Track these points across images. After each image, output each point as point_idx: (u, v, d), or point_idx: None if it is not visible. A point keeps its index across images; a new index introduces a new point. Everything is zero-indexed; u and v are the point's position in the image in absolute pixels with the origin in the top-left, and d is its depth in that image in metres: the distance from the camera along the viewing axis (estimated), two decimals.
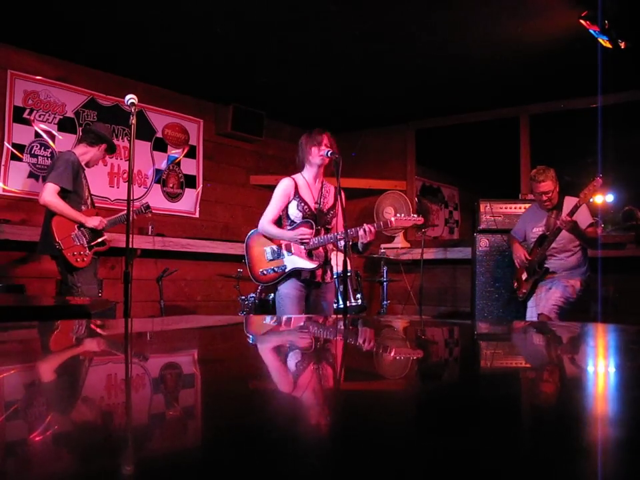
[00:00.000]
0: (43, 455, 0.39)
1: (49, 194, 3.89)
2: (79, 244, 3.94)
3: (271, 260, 3.57)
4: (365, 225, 3.44)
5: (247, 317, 4.48)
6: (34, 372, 0.76)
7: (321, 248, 3.55)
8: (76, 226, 3.95)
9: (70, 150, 4.22)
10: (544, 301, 4.21)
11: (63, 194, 3.93)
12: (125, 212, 4.13)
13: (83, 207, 4.07)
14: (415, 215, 3.68)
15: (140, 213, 4.28)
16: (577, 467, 0.36)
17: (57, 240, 3.86)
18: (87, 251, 3.99)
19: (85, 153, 4.13)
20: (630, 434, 0.44)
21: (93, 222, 4.01)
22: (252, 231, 3.73)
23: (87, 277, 3.99)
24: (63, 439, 0.44)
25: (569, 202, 4.29)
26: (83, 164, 4.10)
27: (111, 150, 4.36)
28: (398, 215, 3.73)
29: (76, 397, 0.60)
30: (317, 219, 3.55)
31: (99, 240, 4.06)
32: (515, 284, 4.60)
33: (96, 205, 4.49)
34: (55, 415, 0.52)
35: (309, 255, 3.52)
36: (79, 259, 3.92)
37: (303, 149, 3.57)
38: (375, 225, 3.51)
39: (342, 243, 3.48)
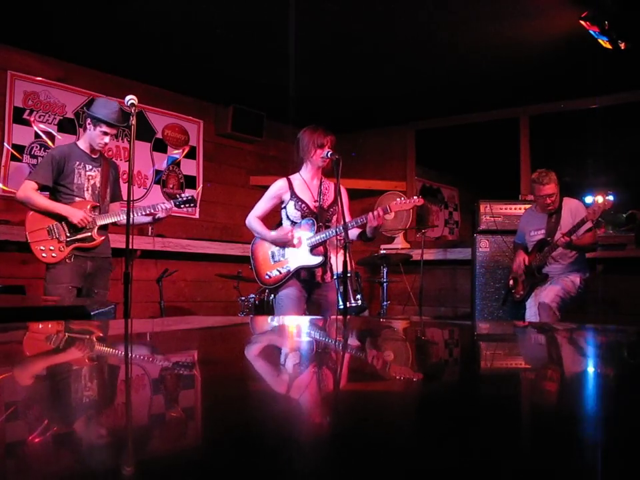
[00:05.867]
0: (39, 457, 0.39)
1: (22, 190, 3.74)
2: (54, 237, 3.70)
3: (275, 262, 3.57)
4: (374, 211, 3.44)
5: (247, 317, 4.48)
6: (29, 374, 0.76)
7: (320, 246, 3.54)
8: (55, 220, 3.72)
9: (61, 145, 4.07)
10: (545, 292, 4.23)
11: (49, 190, 3.77)
12: (119, 212, 3.93)
13: (77, 199, 3.81)
14: (415, 197, 3.64)
15: (180, 206, 4.05)
16: (577, 467, 0.36)
17: (26, 231, 3.68)
18: (63, 246, 3.71)
19: (83, 139, 3.93)
20: (630, 435, 0.44)
21: (74, 217, 3.71)
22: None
23: (56, 275, 3.70)
24: (58, 441, 0.44)
25: (568, 203, 4.31)
26: (87, 151, 3.86)
27: (102, 122, 3.79)
28: (397, 199, 3.71)
29: (73, 398, 0.60)
30: (317, 217, 3.54)
31: (82, 235, 3.77)
32: (511, 282, 4.61)
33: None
34: (49, 417, 0.52)
35: (311, 252, 3.51)
36: (45, 254, 3.66)
37: (303, 146, 3.52)
38: (381, 209, 3.48)
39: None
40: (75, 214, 3.73)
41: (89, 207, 3.82)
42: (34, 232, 3.69)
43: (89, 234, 3.80)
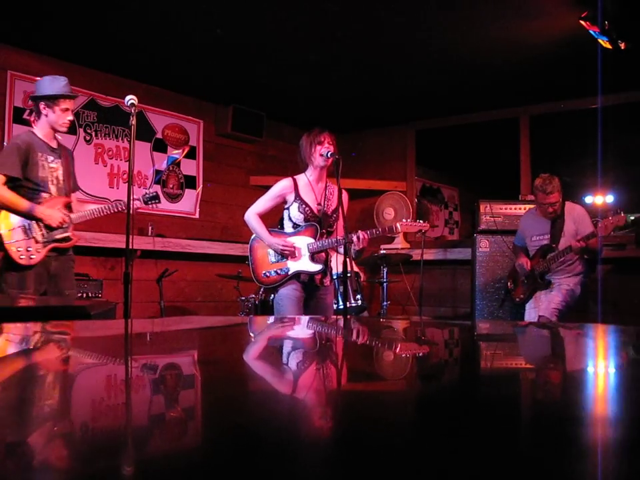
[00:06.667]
0: (37, 457, 0.39)
1: None
2: (30, 237, 3.40)
3: (273, 262, 3.56)
4: (359, 231, 3.44)
5: (247, 317, 4.48)
6: (28, 374, 0.76)
7: (322, 252, 3.55)
8: (28, 217, 3.42)
9: (21, 134, 3.64)
10: (545, 304, 4.24)
11: (14, 184, 3.38)
12: (100, 206, 3.68)
13: (44, 195, 3.48)
14: (421, 221, 3.77)
15: (147, 203, 3.78)
16: (577, 468, 0.36)
17: None
18: (41, 247, 3.43)
19: (41, 127, 3.53)
20: (630, 435, 0.44)
21: (52, 220, 3.43)
22: None
23: (21, 279, 3.37)
24: (57, 441, 0.44)
25: (570, 209, 4.32)
26: (47, 140, 3.53)
27: (60, 97, 3.49)
28: (404, 220, 3.79)
29: (72, 398, 0.60)
30: (320, 221, 3.53)
31: (61, 236, 3.52)
32: (510, 284, 4.62)
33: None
34: (46, 417, 0.52)
35: (312, 258, 3.52)
36: (23, 255, 3.36)
37: (303, 149, 3.55)
38: (374, 231, 3.52)
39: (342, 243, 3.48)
40: (52, 215, 3.44)
41: (60, 205, 3.54)
42: (9, 231, 3.38)
43: (68, 234, 3.57)
